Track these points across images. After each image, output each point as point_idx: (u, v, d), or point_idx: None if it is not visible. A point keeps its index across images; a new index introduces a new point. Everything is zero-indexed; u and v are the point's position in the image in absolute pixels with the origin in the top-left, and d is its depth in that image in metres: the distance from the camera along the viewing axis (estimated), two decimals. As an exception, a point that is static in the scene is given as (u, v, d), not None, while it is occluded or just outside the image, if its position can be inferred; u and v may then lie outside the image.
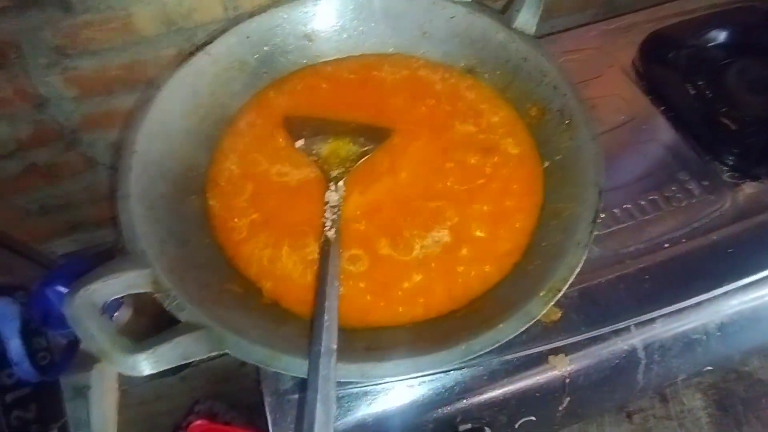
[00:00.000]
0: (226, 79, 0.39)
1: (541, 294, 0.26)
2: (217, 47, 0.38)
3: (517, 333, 0.26)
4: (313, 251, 0.31)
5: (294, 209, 0.34)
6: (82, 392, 0.66)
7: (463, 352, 0.24)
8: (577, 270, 0.27)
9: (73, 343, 0.35)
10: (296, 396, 0.33)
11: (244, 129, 0.38)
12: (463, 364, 0.26)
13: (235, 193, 0.35)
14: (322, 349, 0.23)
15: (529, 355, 0.34)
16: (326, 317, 0.24)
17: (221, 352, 0.24)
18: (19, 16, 0.47)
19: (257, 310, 0.29)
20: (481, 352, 0.25)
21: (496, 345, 0.25)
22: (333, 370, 0.22)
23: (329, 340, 0.23)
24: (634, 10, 0.63)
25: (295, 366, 0.24)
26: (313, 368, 0.23)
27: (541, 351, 0.34)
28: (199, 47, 0.38)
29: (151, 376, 0.47)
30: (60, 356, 0.35)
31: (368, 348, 0.26)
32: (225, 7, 0.51)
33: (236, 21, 0.40)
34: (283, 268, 0.31)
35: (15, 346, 0.30)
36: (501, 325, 0.25)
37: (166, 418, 0.45)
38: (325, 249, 0.29)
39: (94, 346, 0.22)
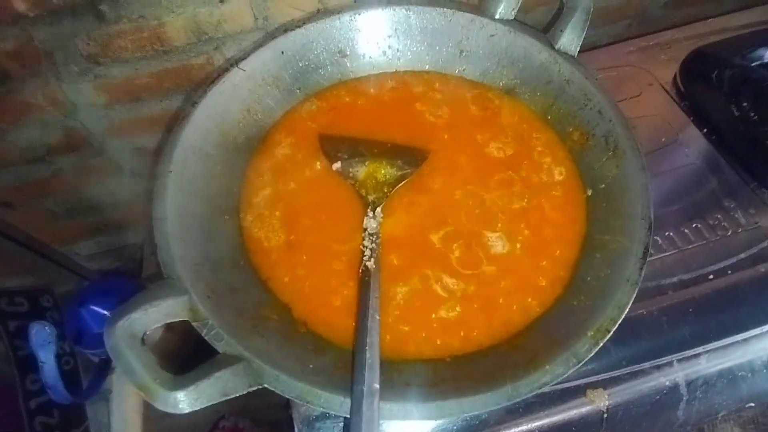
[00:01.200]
0: (260, 95, 0.38)
1: (590, 334, 0.25)
2: (252, 63, 0.38)
3: (563, 377, 0.25)
4: (344, 274, 0.31)
5: (328, 230, 0.33)
6: (103, 396, 0.66)
7: (509, 394, 0.24)
8: (627, 309, 0.26)
9: (105, 363, 0.35)
10: (326, 424, 0.32)
11: (277, 147, 0.38)
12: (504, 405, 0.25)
13: (269, 212, 0.34)
14: (365, 389, 0.22)
15: (566, 388, 0.33)
16: (368, 354, 0.24)
17: (259, 387, 0.24)
18: (53, 24, 0.48)
19: (293, 339, 0.28)
20: (527, 395, 0.24)
21: (543, 388, 0.24)
22: (377, 411, 0.22)
23: (372, 379, 0.23)
24: (673, 26, 0.61)
25: (335, 404, 0.24)
26: (356, 409, 0.22)
27: (579, 384, 0.33)
28: (233, 63, 0.37)
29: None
30: (92, 376, 0.35)
31: (408, 384, 0.25)
32: (255, 17, 0.51)
33: (271, 36, 0.39)
34: (315, 290, 0.31)
35: (50, 369, 0.30)
36: (547, 367, 0.25)
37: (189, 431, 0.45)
38: (365, 280, 0.28)
39: (134, 380, 0.22)
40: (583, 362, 0.25)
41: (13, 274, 0.63)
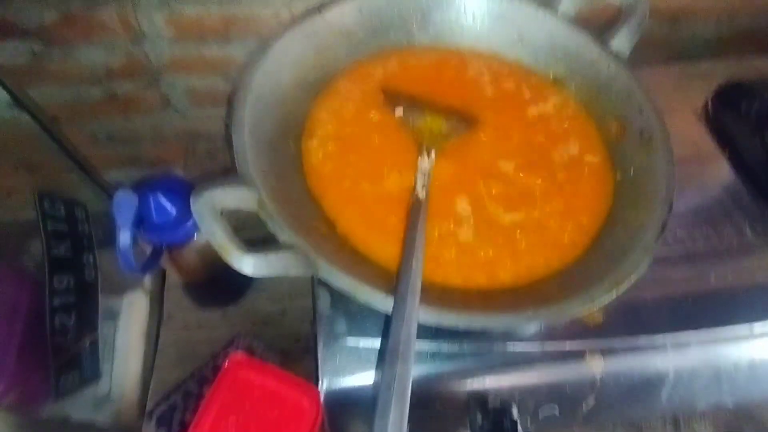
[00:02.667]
0: (333, 44, 0.42)
1: (606, 284, 0.29)
2: (332, 13, 0.41)
3: (579, 314, 0.28)
4: (389, 205, 0.34)
5: (378, 165, 0.36)
6: (113, 315, 0.69)
7: (529, 316, 0.27)
8: (640, 270, 0.30)
9: (158, 251, 0.38)
10: (348, 339, 0.35)
11: (342, 91, 0.41)
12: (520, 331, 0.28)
13: (327, 144, 0.38)
14: (409, 288, 0.25)
15: (569, 350, 0.36)
16: (413, 262, 0.27)
17: (315, 274, 0.27)
18: (145, -46, 0.51)
19: (340, 250, 0.31)
20: (545, 320, 0.27)
21: (560, 319, 0.27)
22: (416, 308, 0.25)
23: (416, 281, 0.26)
24: (714, 57, 0.65)
25: (378, 299, 0.27)
26: (400, 303, 0.25)
27: (581, 349, 0.36)
28: (317, 10, 0.41)
29: (199, 305, 0.50)
30: (148, 258, 0.38)
31: (441, 299, 0.28)
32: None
33: (354, -7, 0.43)
34: (359, 214, 0.34)
35: (124, 236, 0.33)
36: (565, 302, 0.28)
37: (205, 346, 0.48)
38: (416, 206, 0.31)
39: (214, 240, 0.25)
40: (597, 304, 0.28)
41: (52, 186, 0.66)
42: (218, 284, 0.44)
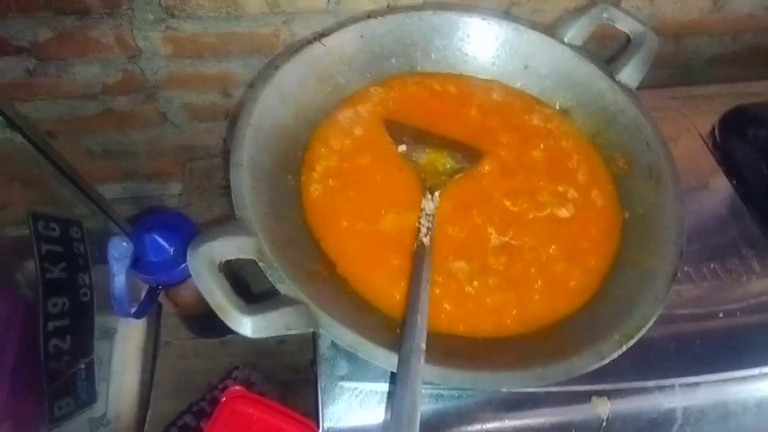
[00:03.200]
0: (334, 71, 0.41)
1: (615, 337, 0.28)
2: (332, 40, 0.40)
3: (588, 370, 0.27)
4: (391, 246, 0.33)
5: (378, 204, 0.35)
6: (108, 334, 0.68)
7: (538, 376, 0.26)
8: (652, 322, 0.29)
9: (154, 290, 0.37)
10: (349, 383, 0.34)
11: (341, 121, 0.40)
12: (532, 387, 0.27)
13: (326, 179, 0.37)
14: (414, 347, 0.24)
15: (574, 391, 0.35)
16: (419, 317, 0.26)
17: (316, 329, 0.26)
18: (140, -29, 0.49)
19: (341, 296, 0.30)
20: (554, 380, 0.26)
21: (569, 377, 0.26)
22: (422, 368, 0.24)
23: (420, 339, 0.25)
24: (716, 81, 0.64)
25: (381, 357, 0.26)
26: (404, 363, 0.24)
27: (586, 390, 0.35)
28: (317, 37, 0.40)
29: (196, 335, 0.49)
30: (144, 299, 0.37)
31: (446, 353, 0.27)
32: (328, 1, 0.53)
33: (354, 20, 0.42)
34: (360, 255, 0.33)
35: (119, 283, 0.32)
36: (574, 358, 0.27)
37: (202, 376, 0.47)
38: (420, 253, 0.30)
39: (212, 299, 0.24)
40: (607, 360, 0.27)
41: (47, 201, 0.65)
42: (216, 316, 0.43)
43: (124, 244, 0.32)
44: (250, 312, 0.24)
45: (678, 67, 0.68)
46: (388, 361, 0.26)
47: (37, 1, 0.52)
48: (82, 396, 0.58)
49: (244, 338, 0.50)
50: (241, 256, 0.27)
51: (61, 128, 0.67)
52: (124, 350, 0.68)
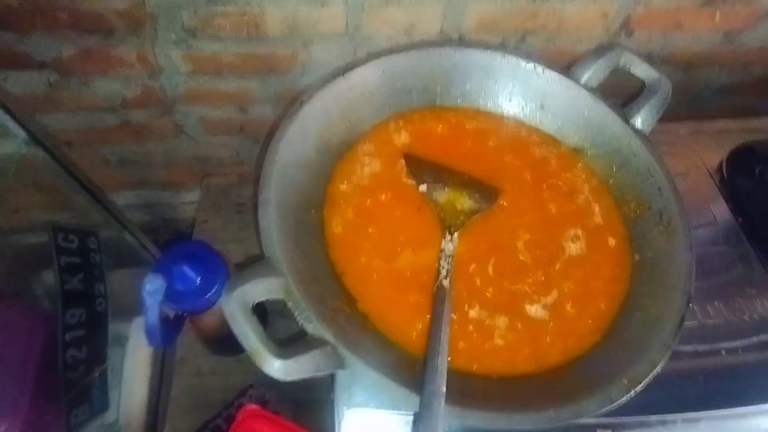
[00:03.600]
0: (356, 106, 0.42)
1: (624, 381, 0.29)
2: (355, 75, 0.42)
3: (597, 413, 0.29)
4: (409, 283, 0.35)
5: (397, 241, 0.37)
6: (120, 341, 0.70)
7: (551, 417, 0.27)
8: (659, 368, 0.30)
9: (180, 318, 0.39)
10: (365, 410, 0.36)
11: (362, 155, 0.41)
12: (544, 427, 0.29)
13: (347, 213, 0.38)
14: (435, 390, 0.26)
15: (581, 424, 0.37)
16: (439, 360, 0.27)
17: (343, 369, 0.27)
18: (167, -5, 0.51)
19: (364, 333, 0.32)
20: (565, 421, 0.28)
21: (578, 418, 0.28)
22: (443, 409, 0.26)
23: (441, 382, 0.26)
24: (722, 110, 0.65)
25: (403, 398, 0.27)
26: (426, 406, 0.26)
27: (592, 423, 0.37)
28: (341, 73, 0.41)
29: (212, 353, 0.50)
30: (169, 326, 0.39)
31: (462, 393, 0.29)
32: (347, 24, 0.55)
33: (376, 55, 0.43)
34: (380, 292, 0.34)
35: (152, 317, 0.34)
36: (584, 402, 0.28)
37: (218, 394, 0.49)
38: (440, 296, 0.32)
39: (247, 343, 0.25)
40: (615, 405, 0.29)
41: (63, 210, 0.66)
42: (232, 337, 0.45)
43: (159, 280, 0.33)
44: (282, 356, 0.26)
45: (688, 95, 0.69)
46: (410, 402, 0.27)
47: (62, 20, 0.53)
48: (97, 404, 0.60)
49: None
50: (271, 297, 0.29)
51: (79, 138, 0.69)
52: (135, 357, 0.70)
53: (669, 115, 0.72)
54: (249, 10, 0.53)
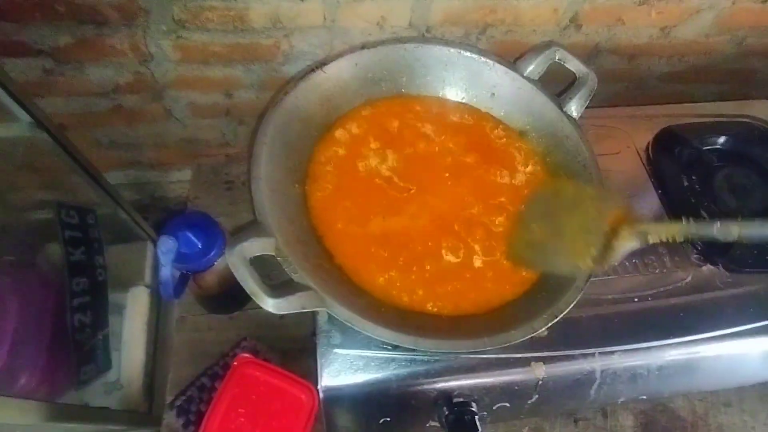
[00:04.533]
0: (332, 94, 0.48)
1: (544, 316, 0.38)
2: (331, 68, 0.48)
3: (523, 339, 0.37)
4: (378, 243, 0.42)
5: (367, 207, 0.44)
6: (119, 309, 0.76)
7: (485, 343, 0.36)
8: (573, 304, 0.39)
9: (185, 276, 0.45)
10: (342, 350, 0.43)
11: (338, 137, 0.48)
12: (479, 351, 0.37)
13: (325, 186, 0.45)
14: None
15: (518, 357, 0.45)
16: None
17: (323, 308, 0.35)
18: (157, -11, 0.55)
19: (340, 283, 0.39)
20: (497, 346, 0.36)
21: (507, 344, 0.36)
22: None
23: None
24: (660, 99, 0.74)
25: (371, 329, 0.35)
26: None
27: (527, 357, 0.45)
28: (319, 66, 0.47)
29: (209, 312, 0.57)
30: (178, 282, 0.45)
31: (418, 327, 0.37)
32: (324, 18, 0.60)
33: (350, 50, 0.49)
34: (353, 247, 0.42)
35: (166, 272, 0.40)
36: (512, 332, 0.37)
37: (214, 346, 0.56)
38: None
39: (247, 286, 0.32)
40: (536, 333, 0.37)
41: (62, 190, 0.71)
42: (227, 296, 0.52)
43: (170, 241, 0.39)
44: (274, 296, 0.33)
45: (633, 81, 0.78)
46: (376, 332, 0.35)
47: (60, 11, 0.57)
48: (102, 363, 0.67)
49: (250, 314, 0.59)
50: (265, 253, 0.36)
51: (73, 122, 0.73)
52: (132, 324, 0.77)
53: (617, 100, 0.80)
54: (234, 5, 0.58)
